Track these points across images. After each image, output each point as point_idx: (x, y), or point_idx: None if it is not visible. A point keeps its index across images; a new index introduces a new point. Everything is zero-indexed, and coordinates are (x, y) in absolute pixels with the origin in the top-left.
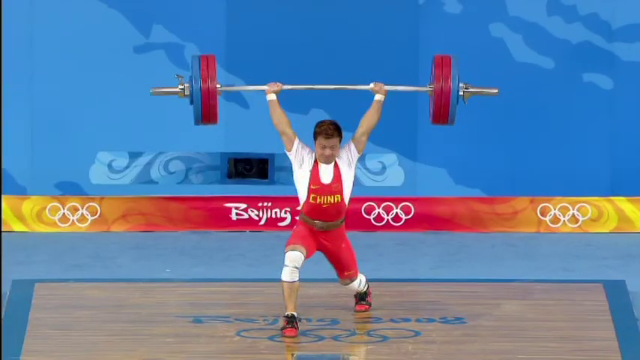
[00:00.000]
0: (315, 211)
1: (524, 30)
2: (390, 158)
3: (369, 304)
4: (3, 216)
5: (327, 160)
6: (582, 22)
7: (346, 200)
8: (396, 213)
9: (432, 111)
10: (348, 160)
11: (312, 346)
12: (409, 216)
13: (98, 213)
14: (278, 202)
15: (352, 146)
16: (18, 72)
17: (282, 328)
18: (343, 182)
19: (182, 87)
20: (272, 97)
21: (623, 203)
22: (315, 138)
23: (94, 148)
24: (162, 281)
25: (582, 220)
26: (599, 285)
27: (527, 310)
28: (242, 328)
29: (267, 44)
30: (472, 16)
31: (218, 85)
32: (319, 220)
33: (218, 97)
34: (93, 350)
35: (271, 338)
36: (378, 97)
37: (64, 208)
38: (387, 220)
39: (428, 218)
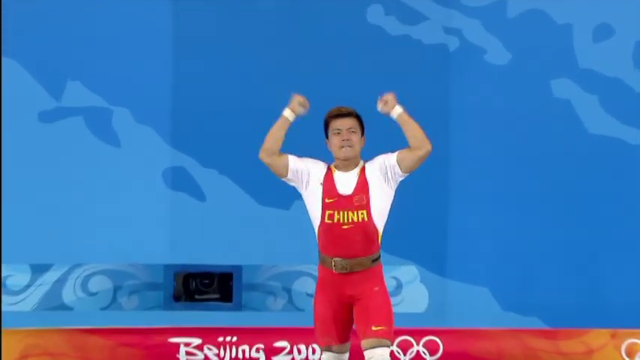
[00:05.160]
0: (332, 236)
1: (600, 88)
2: (409, 272)
3: None
4: None
5: (347, 154)
6: None
7: (378, 224)
8: (417, 351)
9: None
10: (383, 168)
11: None
12: (436, 356)
13: None
14: (246, 335)
15: (394, 157)
16: None
17: None
18: (371, 194)
19: None
20: (288, 112)
21: None
22: (326, 129)
23: None
24: None
25: None
26: None
27: None
28: None
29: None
30: (524, 68)
31: None
32: (339, 256)
33: None
34: None
35: None
36: (394, 114)
37: None
38: None
39: (462, 358)
